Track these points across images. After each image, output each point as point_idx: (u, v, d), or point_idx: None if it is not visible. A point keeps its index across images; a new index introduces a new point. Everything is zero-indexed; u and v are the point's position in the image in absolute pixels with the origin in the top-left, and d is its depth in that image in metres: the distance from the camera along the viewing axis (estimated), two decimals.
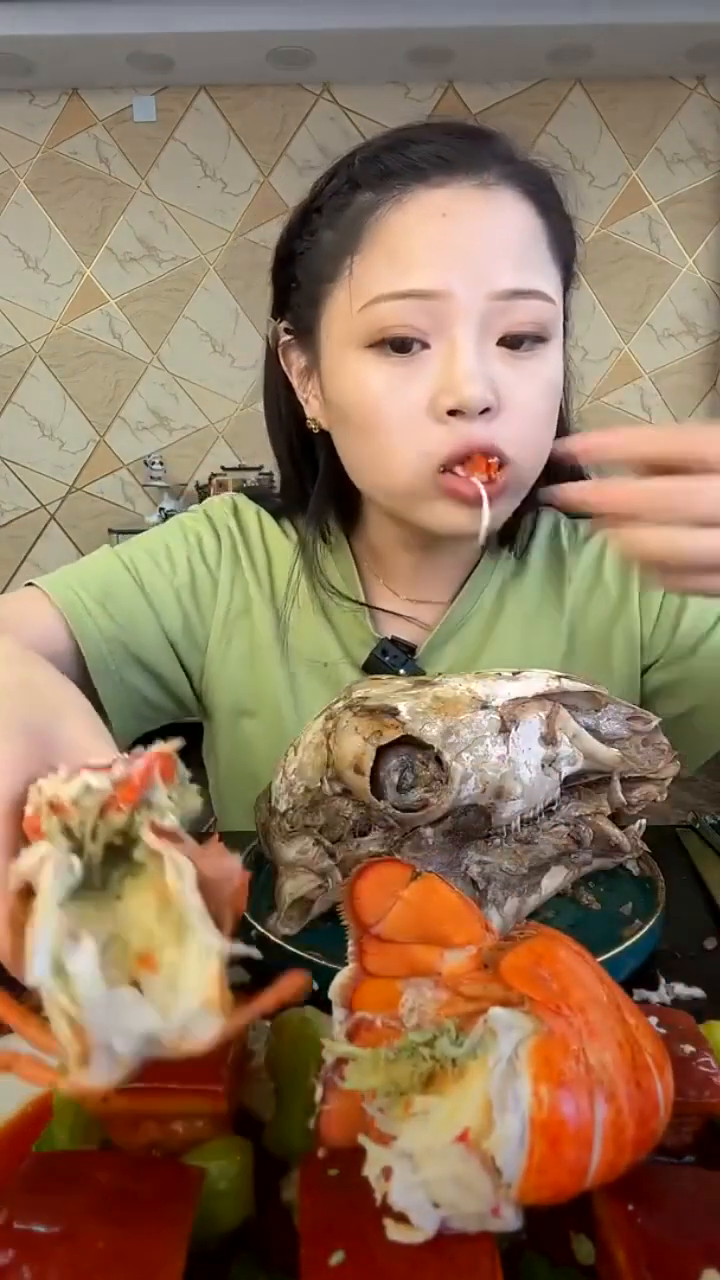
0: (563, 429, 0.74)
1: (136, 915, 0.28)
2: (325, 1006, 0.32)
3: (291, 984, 0.27)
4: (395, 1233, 0.24)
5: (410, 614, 0.75)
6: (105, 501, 3.74)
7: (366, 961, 0.32)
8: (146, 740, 0.85)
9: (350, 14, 2.99)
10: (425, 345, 0.60)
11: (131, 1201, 0.26)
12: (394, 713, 0.46)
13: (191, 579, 0.76)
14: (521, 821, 0.48)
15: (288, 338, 0.70)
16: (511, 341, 0.61)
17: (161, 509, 3.48)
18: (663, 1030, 0.33)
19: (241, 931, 0.48)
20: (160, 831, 0.28)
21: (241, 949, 0.27)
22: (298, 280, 0.67)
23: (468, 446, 0.59)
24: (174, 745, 0.32)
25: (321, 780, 0.49)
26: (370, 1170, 0.25)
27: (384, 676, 0.56)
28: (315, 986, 0.41)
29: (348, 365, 0.63)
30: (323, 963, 0.43)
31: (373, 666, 0.73)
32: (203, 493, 3.45)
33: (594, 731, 0.50)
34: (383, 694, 0.48)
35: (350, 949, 0.33)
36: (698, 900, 0.57)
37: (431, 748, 0.45)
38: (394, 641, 0.73)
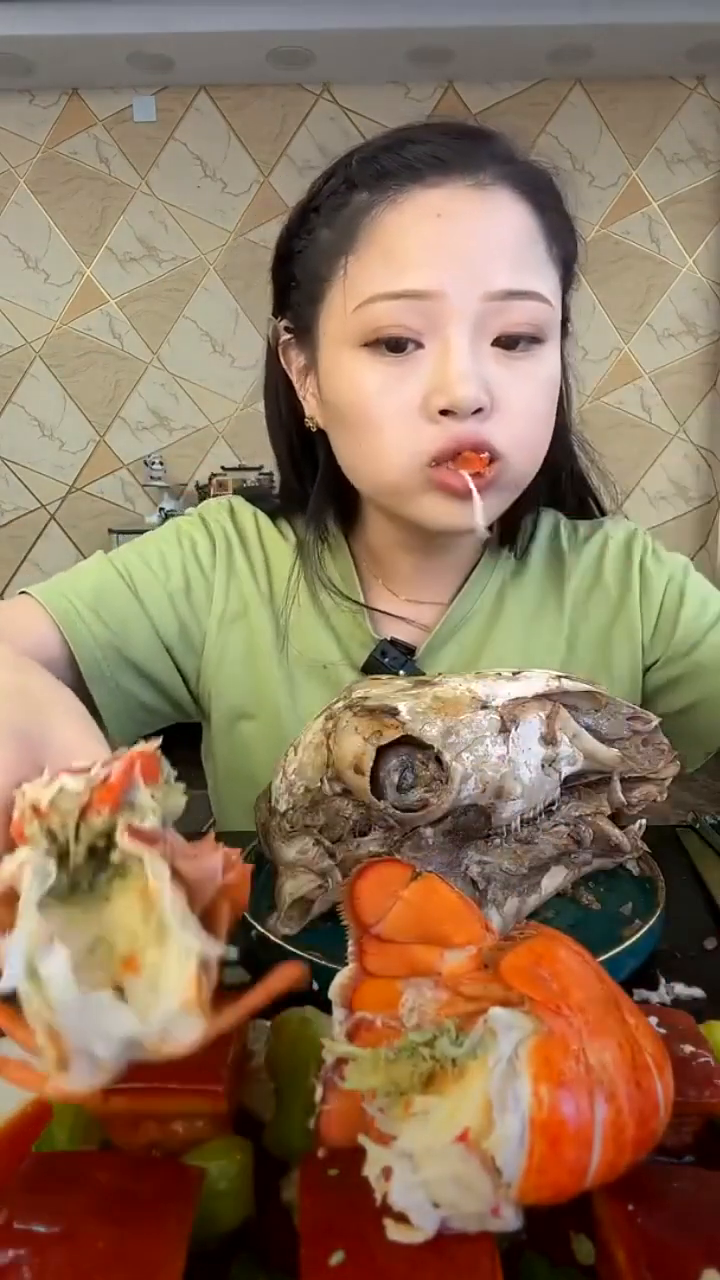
0: (564, 430, 0.74)
1: (122, 917, 0.28)
2: (325, 1006, 0.32)
3: (282, 976, 0.27)
4: (395, 1233, 0.24)
5: (409, 615, 0.75)
6: (105, 501, 3.74)
7: (366, 961, 0.32)
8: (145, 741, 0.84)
9: (350, 14, 2.99)
10: (419, 345, 0.60)
11: (131, 1201, 0.26)
12: (394, 713, 0.46)
13: (186, 583, 0.76)
14: (521, 821, 0.48)
15: (287, 336, 0.70)
16: (507, 342, 0.61)
17: (161, 509, 3.48)
18: (663, 1030, 0.33)
19: (241, 931, 0.48)
20: (137, 834, 0.28)
21: (233, 953, 0.27)
22: (296, 279, 0.68)
23: (457, 443, 0.60)
24: (154, 744, 0.32)
25: (321, 780, 0.49)
26: (370, 1170, 0.25)
27: (384, 676, 0.56)
28: (315, 986, 0.41)
29: (343, 364, 0.63)
30: (323, 963, 0.43)
31: (372, 668, 0.73)
32: (203, 493, 3.45)
33: (594, 731, 0.50)
34: (383, 694, 0.48)
35: (350, 949, 0.33)
36: (698, 900, 0.57)
37: (431, 748, 0.45)
38: (393, 643, 0.73)
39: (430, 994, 0.30)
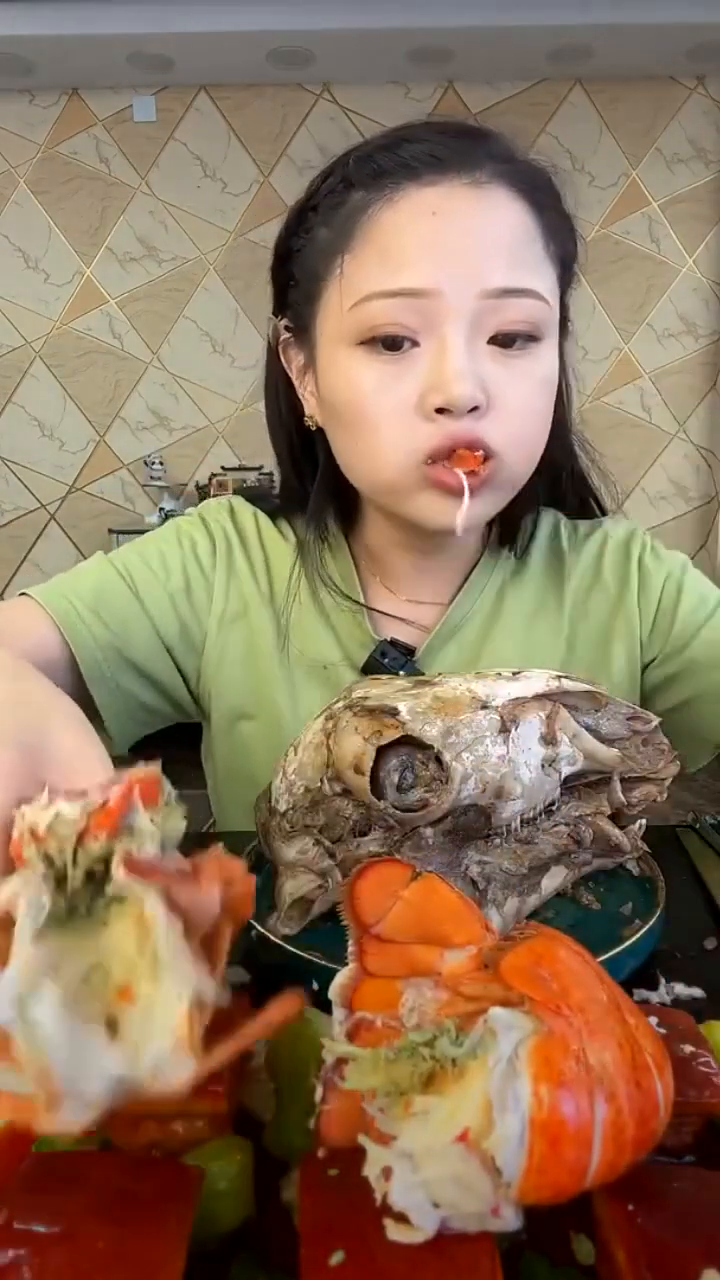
0: (564, 429, 0.74)
1: (119, 943, 0.28)
2: (325, 1006, 0.32)
3: (280, 1009, 0.27)
4: (395, 1233, 0.24)
5: (409, 616, 0.75)
6: (105, 501, 3.74)
7: (366, 961, 0.32)
8: (146, 743, 0.84)
9: (350, 14, 2.99)
10: (415, 343, 0.60)
11: (131, 1201, 0.26)
12: (394, 713, 0.46)
13: (186, 583, 0.76)
14: (521, 821, 0.48)
15: (287, 335, 0.70)
16: (503, 340, 0.61)
17: (161, 509, 3.48)
18: (663, 1030, 0.33)
19: (242, 932, 0.48)
20: (133, 866, 0.28)
21: (233, 975, 0.26)
22: (295, 278, 0.68)
23: (453, 441, 0.60)
24: (155, 766, 0.32)
25: (321, 780, 0.49)
26: (370, 1170, 0.25)
27: (384, 676, 0.56)
28: (315, 986, 0.41)
29: (340, 362, 0.63)
30: (323, 963, 0.43)
31: (372, 668, 0.73)
32: (203, 493, 3.44)
33: (594, 731, 0.50)
34: (383, 694, 0.48)
35: (350, 949, 0.33)
36: (698, 900, 0.57)
37: (431, 748, 0.45)
38: (393, 643, 0.73)
39: (430, 994, 0.30)
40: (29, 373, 3.65)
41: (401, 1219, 0.24)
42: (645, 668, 0.76)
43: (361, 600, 0.75)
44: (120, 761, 0.45)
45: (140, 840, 0.29)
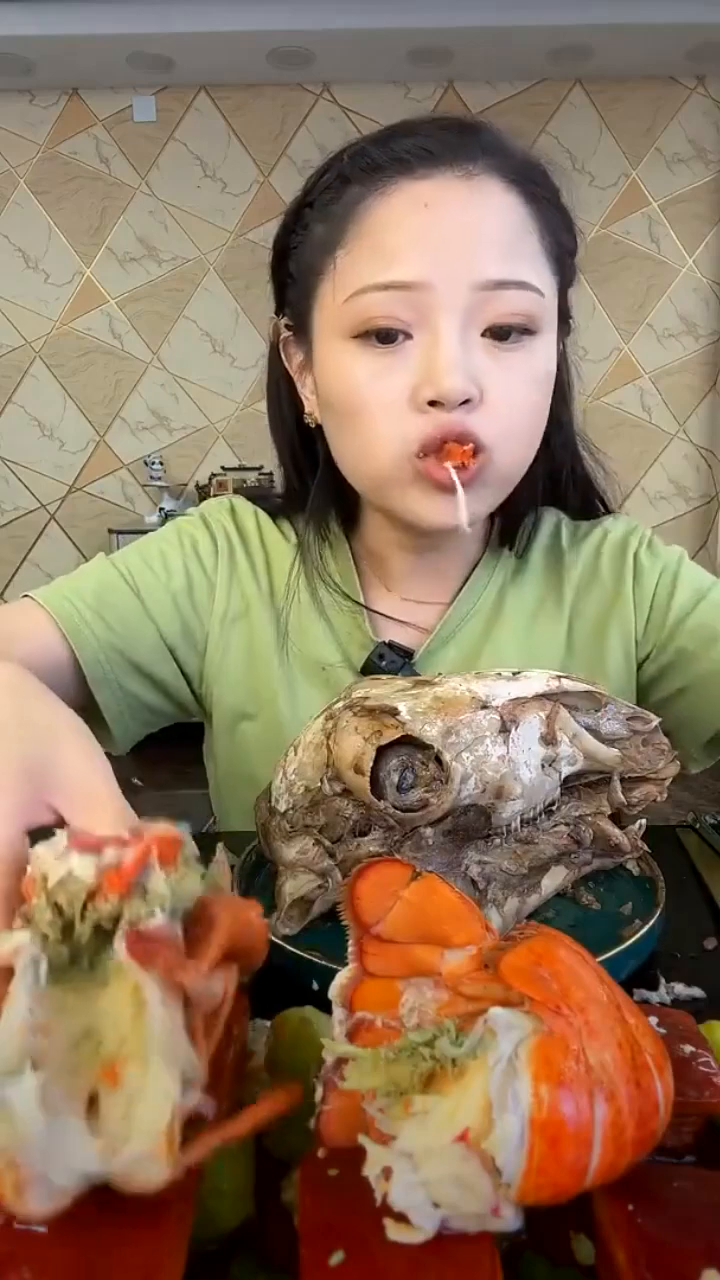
0: (566, 427, 0.74)
1: (116, 1009, 0.27)
2: (325, 1006, 0.32)
3: (270, 1105, 0.26)
4: (395, 1233, 0.24)
5: (409, 617, 0.75)
6: (105, 501, 3.74)
7: (366, 961, 0.32)
8: (148, 742, 0.84)
9: (350, 14, 2.99)
10: (409, 336, 0.60)
11: (131, 1201, 0.26)
12: (394, 713, 0.46)
13: (188, 583, 0.76)
14: (521, 821, 0.48)
15: (287, 334, 0.70)
16: (498, 333, 0.60)
17: (161, 509, 3.48)
18: (663, 1030, 0.33)
19: None
20: (136, 943, 0.27)
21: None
22: (292, 275, 0.68)
23: (442, 433, 0.60)
24: (177, 827, 0.31)
25: (321, 780, 0.49)
26: (370, 1170, 0.25)
27: (384, 676, 0.56)
28: (315, 986, 0.41)
29: (334, 356, 0.63)
30: (323, 963, 0.43)
31: (369, 671, 0.72)
32: (203, 493, 3.44)
33: (594, 731, 0.50)
34: (383, 694, 0.48)
35: (350, 949, 0.33)
36: (698, 900, 0.57)
37: (431, 748, 0.45)
38: (390, 646, 0.73)
39: (430, 994, 0.30)
40: (29, 373, 3.65)
41: (401, 1219, 0.24)
42: (641, 663, 0.75)
43: (361, 601, 0.75)
44: (121, 762, 0.45)
45: (152, 904, 0.28)
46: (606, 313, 3.58)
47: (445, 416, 0.59)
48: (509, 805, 0.46)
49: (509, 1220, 0.24)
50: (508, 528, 0.76)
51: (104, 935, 0.28)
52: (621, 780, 0.51)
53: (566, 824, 0.51)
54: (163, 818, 0.32)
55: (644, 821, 0.53)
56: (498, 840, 0.49)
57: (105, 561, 0.75)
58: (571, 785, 0.51)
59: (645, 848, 0.54)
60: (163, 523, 0.84)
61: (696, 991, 0.46)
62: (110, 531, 3.35)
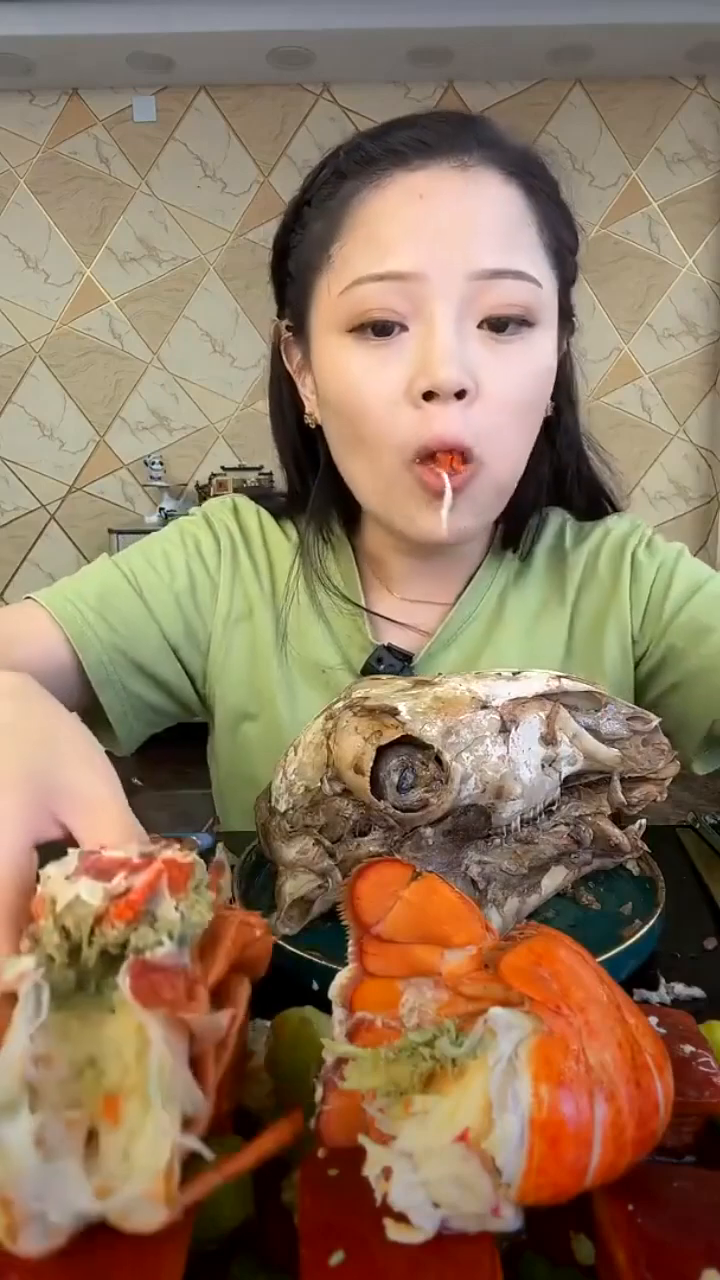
0: (571, 426, 0.74)
1: (119, 1034, 0.26)
2: (325, 1006, 0.32)
3: (272, 1137, 0.26)
4: (395, 1233, 0.24)
5: (409, 619, 0.75)
6: (105, 501, 3.74)
7: (366, 961, 0.32)
8: (152, 741, 0.84)
9: (350, 14, 2.99)
10: (404, 328, 0.60)
11: None
12: (394, 713, 0.46)
13: (191, 583, 0.75)
14: (521, 821, 0.48)
15: (288, 334, 0.70)
16: (495, 324, 0.60)
17: (161, 509, 3.48)
18: (663, 1030, 0.33)
19: None
20: (139, 980, 0.26)
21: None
22: (291, 273, 0.67)
23: (437, 441, 0.59)
24: (190, 853, 0.31)
25: (321, 780, 0.49)
26: (370, 1170, 0.25)
27: (384, 676, 0.56)
28: (315, 986, 0.41)
29: (331, 352, 0.63)
30: (323, 963, 0.43)
31: (368, 674, 0.72)
32: (203, 493, 3.45)
33: (594, 731, 0.50)
34: (383, 694, 0.48)
35: (350, 949, 0.33)
36: (698, 900, 0.57)
37: (431, 748, 0.45)
38: (390, 649, 0.72)
39: (430, 994, 0.30)
40: (29, 373, 3.65)
41: (401, 1219, 0.24)
42: (638, 662, 0.75)
43: (362, 603, 0.75)
44: (122, 762, 0.45)
45: (160, 931, 0.28)
46: (606, 313, 3.58)
47: (441, 412, 0.58)
48: (509, 805, 0.46)
49: (509, 1220, 0.24)
50: (511, 531, 0.75)
51: (111, 960, 0.28)
52: (621, 780, 0.51)
53: (566, 824, 0.51)
54: (172, 836, 0.32)
55: (644, 821, 0.53)
56: (498, 840, 0.49)
57: (108, 562, 0.75)
58: (571, 785, 0.51)
59: (645, 848, 0.54)
60: (163, 523, 0.83)
61: (696, 991, 0.46)
62: (110, 531, 3.35)
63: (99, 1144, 0.25)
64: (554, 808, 0.50)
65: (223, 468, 3.53)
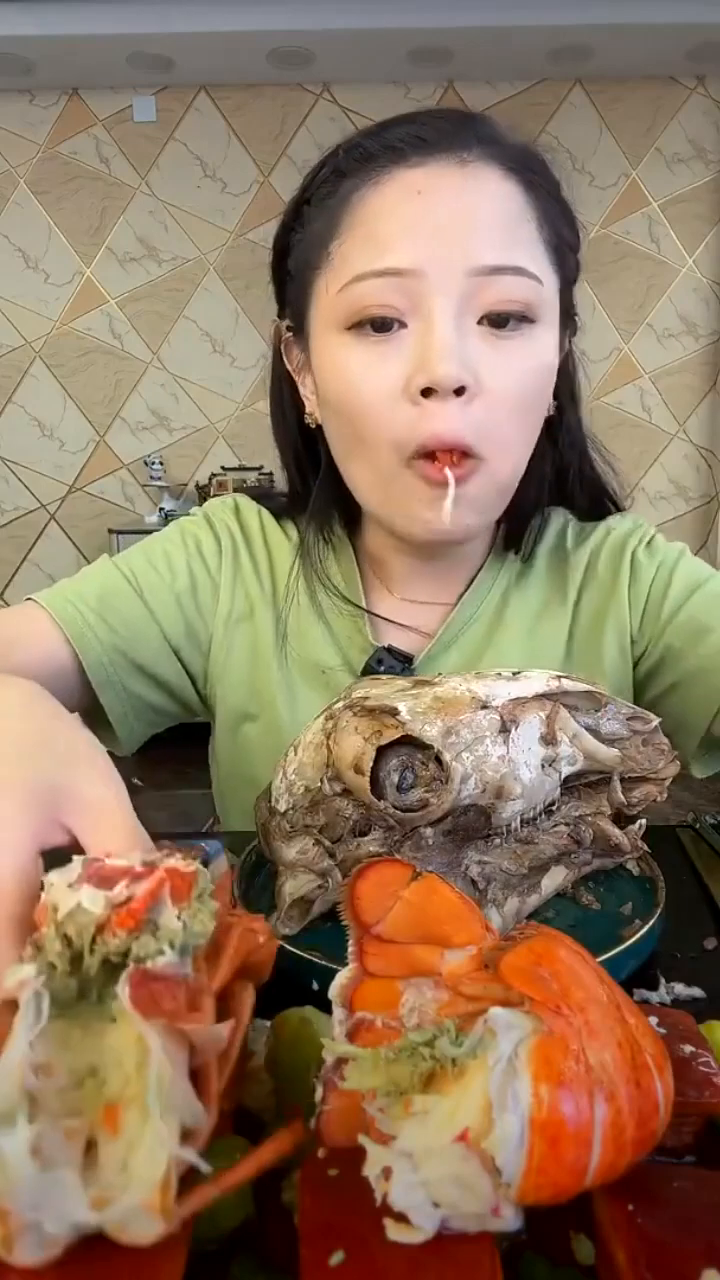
0: (575, 431, 0.73)
1: (120, 1043, 0.26)
2: (325, 1006, 0.32)
3: (273, 1148, 0.26)
4: (395, 1233, 0.24)
5: (410, 621, 0.74)
6: (105, 501, 3.74)
7: (367, 961, 0.32)
8: (154, 741, 0.84)
9: (350, 14, 2.99)
10: (403, 325, 0.59)
11: None
12: (394, 713, 0.46)
13: (191, 583, 0.75)
14: (521, 821, 0.48)
15: (288, 335, 0.70)
16: (496, 320, 0.60)
17: (161, 509, 3.48)
18: (663, 1030, 0.33)
19: None
20: (139, 989, 0.26)
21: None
22: (291, 273, 0.67)
23: (435, 440, 0.59)
24: (193, 862, 0.31)
25: (321, 780, 0.49)
26: (370, 1170, 0.25)
27: (384, 676, 0.56)
28: (315, 986, 0.41)
29: (330, 350, 0.62)
30: (323, 963, 0.43)
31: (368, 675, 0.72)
32: (203, 493, 3.45)
33: (594, 731, 0.50)
34: (383, 694, 0.48)
35: (350, 949, 0.33)
36: (698, 900, 0.57)
37: (431, 748, 0.45)
38: (390, 651, 0.72)
39: (430, 994, 0.30)
40: (29, 373, 3.65)
41: (401, 1219, 0.24)
42: (637, 662, 0.74)
43: (363, 604, 0.75)
44: (122, 762, 0.45)
45: (162, 941, 0.28)
46: (606, 313, 3.58)
47: (441, 410, 0.58)
48: (509, 805, 0.46)
49: (509, 1220, 0.24)
50: (513, 531, 0.75)
51: (113, 969, 0.28)
52: (621, 780, 0.51)
53: (566, 824, 0.51)
54: (184, 845, 0.32)
55: (644, 821, 0.53)
56: (498, 840, 0.49)
57: (109, 563, 0.75)
58: (571, 785, 0.51)
59: (645, 848, 0.54)
60: (163, 523, 0.84)
61: (696, 991, 0.46)
62: (110, 531, 3.35)
63: (98, 1154, 0.25)
64: (554, 808, 0.50)
65: (223, 468, 3.53)
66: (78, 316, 3.61)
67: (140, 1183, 0.23)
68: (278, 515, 0.80)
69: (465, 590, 0.75)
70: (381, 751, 0.46)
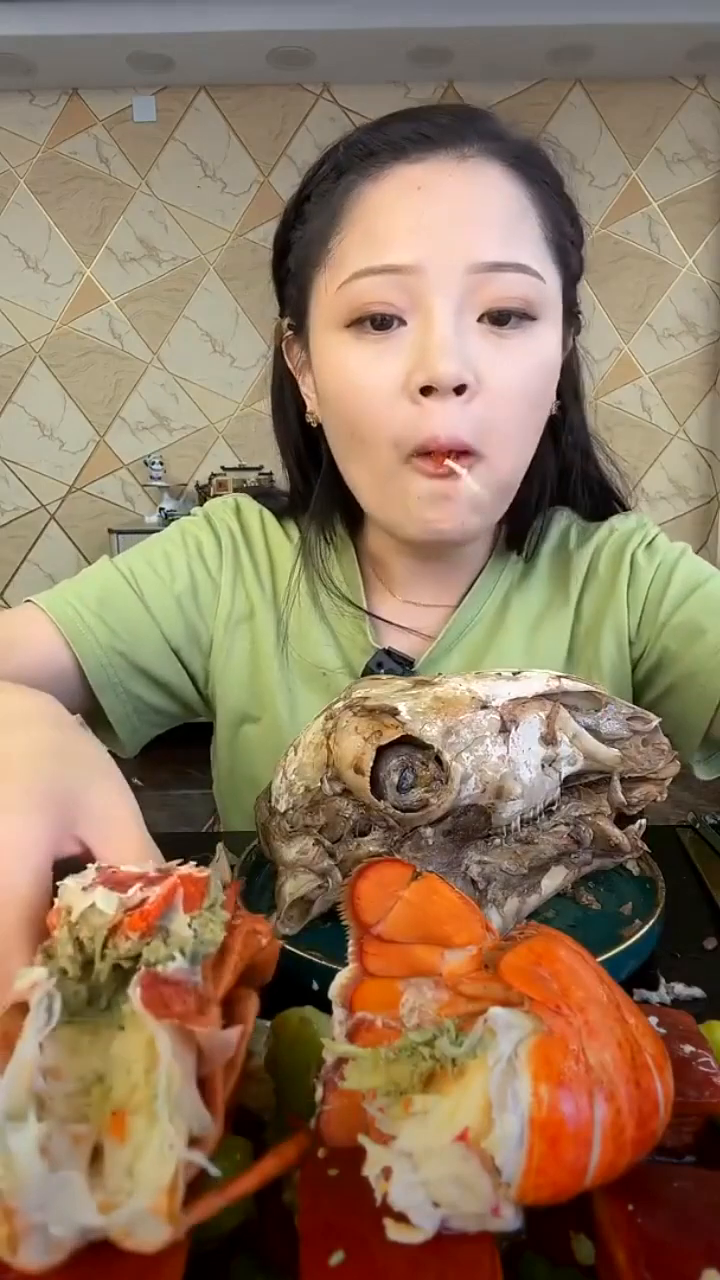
0: (579, 431, 0.73)
1: (130, 1055, 0.26)
2: (325, 1006, 0.32)
3: (278, 1158, 0.26)
4: (395, 1233, 0.24)
5: (411, 622, 0.74)
6: (105, 501, 3.74)
7: (367, 961, 0.32)
8: (151, 743, 0.84)
9: (350, 14, 2.99)
10: (403, 322, 0.59)
11: None
12: (394, 713, 0.46)
13: (192, 584, 0.75)
14: (521, 821, 0.48)
15: (289, 334, 0.70)
16: (497, 317, 0.59)
17: (161, 509, 3.48)
18: (663, 1030, 0.33)
19: None
20: (150, 991, 0.26)
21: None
22: (290, 271, 0.67)
23: (434, 441, 0.58)
24: (205, 870, 0.31)
25: (321, 780, 0.49)
26: (370, 1170, 0.25)
27: (384, 676, 0.56)
28: (315, 986, 0.41)
29: (329, 347, 0.62)
30: (323, 963, 0.43)
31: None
32: (203, 493, 3.45)
33: (594, 731, 0.50)
34: (383, 694, 0.48)
35: (350, 949, 0.33)
36: (698, 900, 0.57)
37: (431, 748, 0.45)
38: (390, 653, 0.72)
39: (430, 994, 0.30)
40: (29, 373, 3.65)
41: (401, 1219, 0.24)
42: (635, 663, 0.74)
43: (364, 605, 0.74)
44: (123, 762, 0.45)
45: (173, 947, 0.28)
46: (606, 313, 3.58)
47: (440, 408, 0.57)
48: (509, 805, 0.46)
49: (509, 1220, 0.24)
50: (515, 532, 0.74)
51: (123, 975, 0.28)
52: (621, 780, 0.51)
53: (566, 824, 0.51)
54: (181, 860, 0.32)
55: (644, 821, 0.53)
56: (498, 840, 0.49)
57: (109, 564, 0.75)
58: (571, 785, 0.51)
59: (645, 848, 0.54)
60: (163, 523, 0.83)
61: (696, 991, 0.46)
62: (110, 531, 3.35)
63: (104, 1161, 0.25)
64: (554, 808, 0.50)
65: (223, 468, 3.53)
66: (78, 316, 3.61)
67: (147, 1186, 0.23)
68: (279, 515, 0.80)
69: (467, 592, 0.74)
70: (381, 751, 0.46)
